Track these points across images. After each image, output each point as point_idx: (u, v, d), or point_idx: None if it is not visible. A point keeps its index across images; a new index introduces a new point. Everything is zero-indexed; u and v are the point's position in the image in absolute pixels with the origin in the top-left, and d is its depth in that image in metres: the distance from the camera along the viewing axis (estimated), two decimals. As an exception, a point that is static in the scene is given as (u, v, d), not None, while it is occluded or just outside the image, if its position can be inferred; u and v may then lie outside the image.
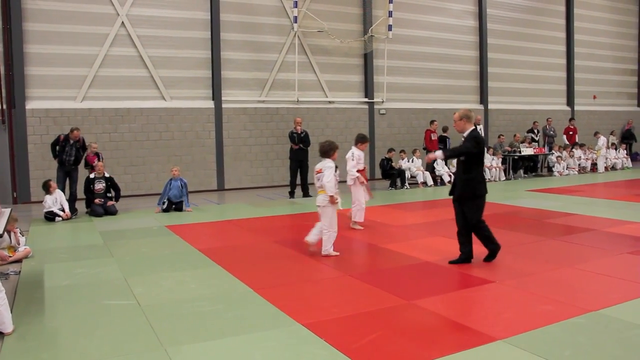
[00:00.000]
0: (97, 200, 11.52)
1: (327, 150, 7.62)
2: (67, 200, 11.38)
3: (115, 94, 14.66)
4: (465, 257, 6.87)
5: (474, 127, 6.92)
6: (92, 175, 11.77)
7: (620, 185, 14.82)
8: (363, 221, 9.60)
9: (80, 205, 11.84)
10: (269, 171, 16.71)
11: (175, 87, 15.40)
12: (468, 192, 6.77)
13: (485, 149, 16.21)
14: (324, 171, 7.46)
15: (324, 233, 7.47)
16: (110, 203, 11.73)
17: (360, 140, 9.69)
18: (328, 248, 7.46)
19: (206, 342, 4.50)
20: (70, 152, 11.67)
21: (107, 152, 13.78)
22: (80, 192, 11.88)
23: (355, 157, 9.51)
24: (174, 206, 11.93)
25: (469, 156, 6.77)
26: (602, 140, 20.23)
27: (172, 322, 4.97)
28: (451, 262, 6.87)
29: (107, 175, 11.94)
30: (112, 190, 11.93)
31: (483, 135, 18.49)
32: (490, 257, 6.90)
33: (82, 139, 11.95)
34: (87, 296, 5.84)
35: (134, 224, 10.52)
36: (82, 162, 12.11)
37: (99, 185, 11.70)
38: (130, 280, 6.40)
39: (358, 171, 9.50)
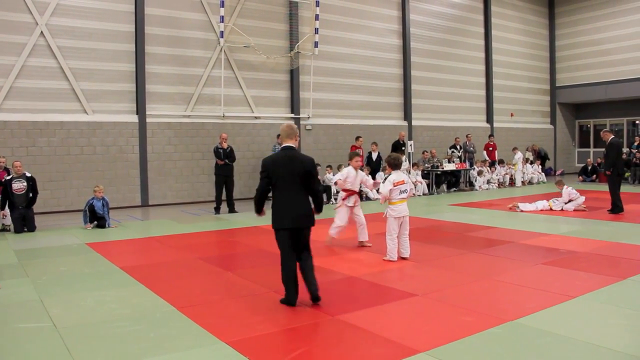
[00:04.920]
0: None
1: (398, 164, 8.03)
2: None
3: (34, 106, 14.09)
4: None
5: (288, 146, 5.75)
6: (8, 176, 11.20)
7: (536, 199, 15.46)
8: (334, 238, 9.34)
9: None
10: (195, 186, 16.47)
11: (97, 101, 14.95)
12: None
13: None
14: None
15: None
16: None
17: (348, 157, 9.46)
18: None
19: (126, 363, 4.36)
20: None
21: (25, 167, 13.04)
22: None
23: (344, 174, 9.15)
24: (96, 222, 11.57)
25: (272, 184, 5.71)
26: (518, 155, 21.20)
27: (91, 344, 4.79)
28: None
29: (27, 174, 11.40)
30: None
31: (412, 151, 18.85)
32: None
33: None
34: (-2, 319, 5.55)
35: (52, 241, 10.11)
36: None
37: (19, 185, 11.16)
38: (47, 301, 6.12)
39: (344, 190, 9.15)
